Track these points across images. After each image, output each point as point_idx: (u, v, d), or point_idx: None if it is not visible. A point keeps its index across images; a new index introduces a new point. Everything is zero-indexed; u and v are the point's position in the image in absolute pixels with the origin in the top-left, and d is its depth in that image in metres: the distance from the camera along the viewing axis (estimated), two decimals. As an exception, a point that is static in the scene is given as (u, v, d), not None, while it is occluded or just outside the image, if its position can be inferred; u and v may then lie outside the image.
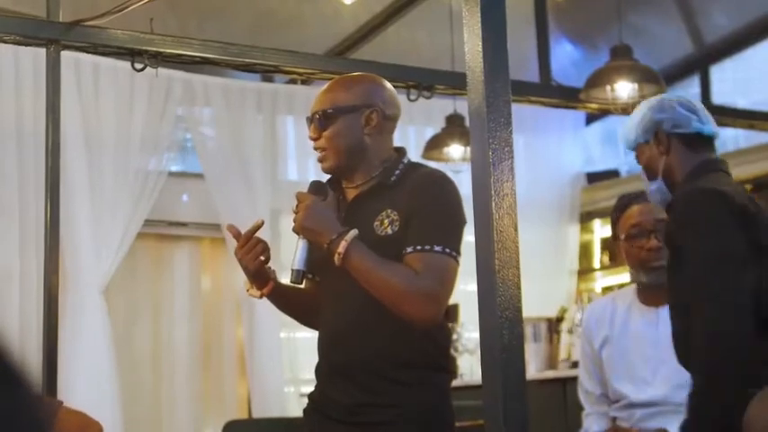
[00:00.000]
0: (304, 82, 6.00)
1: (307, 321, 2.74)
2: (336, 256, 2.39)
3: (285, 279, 2.60)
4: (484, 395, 1.55)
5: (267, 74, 5.81)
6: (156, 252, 6.61)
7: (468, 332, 5.76)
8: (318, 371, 2.61)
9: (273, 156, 6.41)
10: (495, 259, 1.53)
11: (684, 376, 3.06)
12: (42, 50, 4.50)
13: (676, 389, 3.06)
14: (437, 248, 2.43)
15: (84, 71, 5.72)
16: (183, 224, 6.56)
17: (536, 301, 6.36)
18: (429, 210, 2.48)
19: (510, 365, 1.51)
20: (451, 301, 6.53)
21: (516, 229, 1.55)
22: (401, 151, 2.67)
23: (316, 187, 2.55)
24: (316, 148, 2.59)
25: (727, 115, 6.35)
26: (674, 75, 7.22)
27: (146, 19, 4.57)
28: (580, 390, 3.35)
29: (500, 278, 1.53)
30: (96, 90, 5.78)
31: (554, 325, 5.70)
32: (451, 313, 6.02)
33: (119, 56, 4.76)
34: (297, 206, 2.47)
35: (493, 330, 1.53)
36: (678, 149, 2.62)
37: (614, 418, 3.20)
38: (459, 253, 2.47)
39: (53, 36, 4.41)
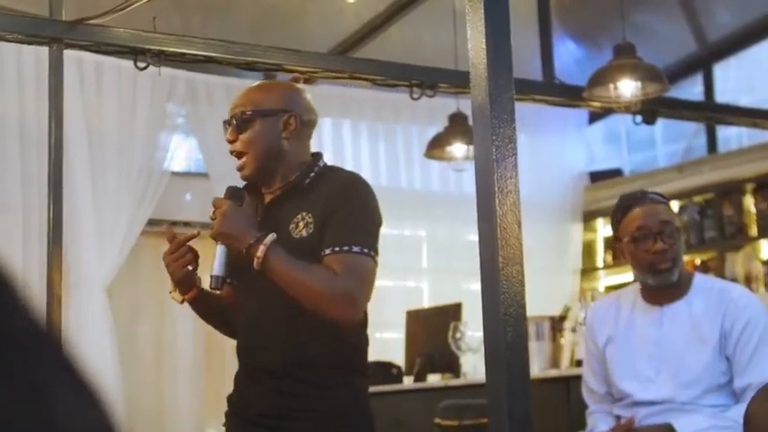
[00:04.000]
0: (306, 81, 5.98)
1: (226, 330, 2.74)
2: (255, 260, 2.38)
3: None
4: (488, 392, 1.54)
5: (270, 72, 5.80)
6: (159, 251, 6.57)
7: (471, 331, 5.75)
8: (237, 373, 2.61)
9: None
10: (499, 256, 1.53)
11: (689, 375, 3.07)
12: (45, 49, 4.49)
13: (680, 387, 3.05)
14: (355, 249, 2.44)
15: (87, 70, 5.72)
16: (187, 223, 6.56)
17: (539, 300, 6.33)
18: (345, 211, 2.48)
19: (514, 362, 1.51)
20: (455, 299, 6.53)
21: (520, 226, 1.55)
22: (317, 155, 2.66)
23: (231, 192, 2.53)
24: (232, 152, 2.57)
25: (731, 113, 6.35)
26: (678, 73, 7.21)
27: (148, 17, 4.56)
28: (584, 388, 3.34)
29: (504, 275, 1.53)
30: (99, 89, 5.78)
31: (557, 324, 5.69)
32: (454, 312, 6.01)
33: (121, 54, 4.76)
34: (213, 212, 2.45)
35: (497, 327, 1.52)
36: None
37: (618, 417, 3.19)
38: (377, 252, 2.49)
39: (56, 35, 4.41)
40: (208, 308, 2.64)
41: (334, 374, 2.50)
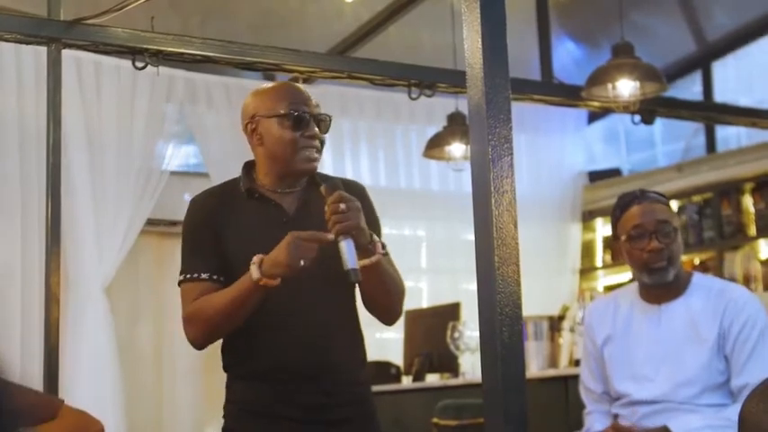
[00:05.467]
0: (306, 80, 5.98)
1: (229, 330, 2.60)
2: (378, 255, 2.48)
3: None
4: (484, 392, 1.54)
5: (268, 72, 5.81)
6: (158, 251, 6.61)
7: (469, 331, 5.76)
8: (271, 373, 2.55)
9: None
10: (495, 256, 1.52)
11: (687, 374, 3.07)
12: (43, 49, 4.50)
13: (679, 386, 3.06)
14: (386, 250, 2.60)
15: (86, 70, 5.72)
16: (186, 223, 6.56)
17: (538, 300, 6.35)
18: (375, 216, 2.63)
19: (510, 363, 1.51)
20: (453, 299, 6.51)
21: (516, 226, 1.55)
22: None
23: (335, 185, 2.51)
24: (314, 147, 2.59)
25: (729, 113, 6.35)
26: (676, 73, 7.22)
27: (147, 17, 4.57)
28: (581, 388, 3.34)
29: (500, 275, 1.52)
30: (98, 89, 5.78)
31: (556, 323, 5.70)
32: (453, 312, 6.02)
33: (120, 54, 4.76)
34: (346, 205, 2.42)
35: (492, 327, 1.52)
36: None
37: (616, 416, 3.20)
38: None
39: (54, 34, 4.41)
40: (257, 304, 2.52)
41: (365, 370, 2.69)
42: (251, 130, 2.61)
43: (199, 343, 2.60)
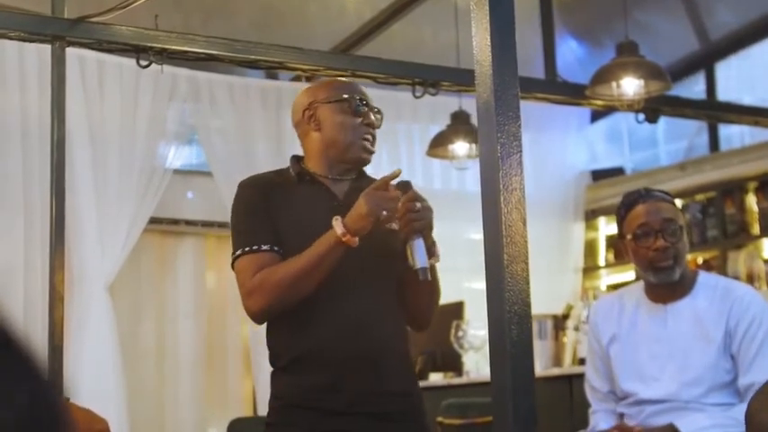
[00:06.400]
0: (308, 78, 5.98)
1: (298, 297, 2.53)
2: (437, 256, 2.58)
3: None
4: (492, 390, 1.54)
5: (272, 70, 5.80)
6: (160, 249, 6.61)
7: (473, 329, 5.75)
8: (317, 361, 2.52)
9: (279, 153, 6.40)
10: (504, 254, 1.52)
11: (693, 373, 3.06)
12: (47, 47, 4.49)
13: (685, 386, 3.05)
14: None
15: (89, 68, 5.72)
16: (188, 221, 6.56)
17: (542, 299, 6.33)
18: None
19: (519, 360, 1.50)
20: (457, 298, 6.50)
21: (525, 224, 1.54)
22: None
23: (407, 185, 2.56)
24: (371, 135, 2.66)
25: (733, 112, 6.34)
26: (680, 71, 7.20)
27: (150, 15, 4.56)
28: (587, 387, 3.34)
29: (509, 273, 1.52)
30: (101, 87, 5.78)
31: (560, 322, 5.69)
32: (456, 310, 6.01)
33: (124, 52, 4.75)
34: (422, 205, 2.51)
35: (502, 325, 1.52)
36: None
37: (622, 415, 3.19)
38: None
39: (58, 32, 4.40)
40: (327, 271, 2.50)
41: (411, 360, 2.72)
42: (308, 116, 2.65)
43: (263, 312, 2.53)
